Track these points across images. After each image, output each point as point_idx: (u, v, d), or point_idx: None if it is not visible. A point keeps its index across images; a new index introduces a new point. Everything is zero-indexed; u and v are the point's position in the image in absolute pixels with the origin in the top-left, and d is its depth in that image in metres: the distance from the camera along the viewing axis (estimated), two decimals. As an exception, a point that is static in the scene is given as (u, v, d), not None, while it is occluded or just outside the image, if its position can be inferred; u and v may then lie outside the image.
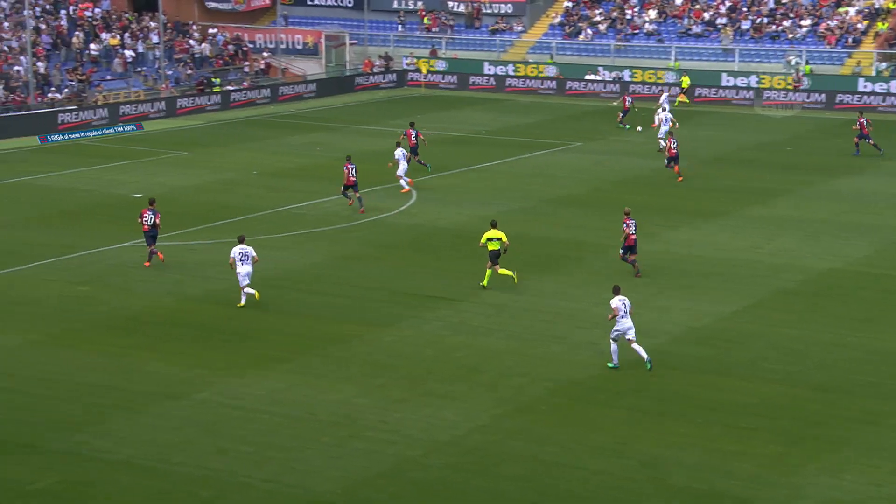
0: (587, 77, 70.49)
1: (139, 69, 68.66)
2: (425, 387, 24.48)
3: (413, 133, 46.05)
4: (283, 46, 76.53)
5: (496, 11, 78.53)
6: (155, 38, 70.26)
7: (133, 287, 31.41)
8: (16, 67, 62.50)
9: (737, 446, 21.73)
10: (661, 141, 50.83)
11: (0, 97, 58.92)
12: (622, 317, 25.33)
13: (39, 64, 62.70)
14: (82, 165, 48.53)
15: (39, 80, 61.52)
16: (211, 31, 75.67)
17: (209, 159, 49.03)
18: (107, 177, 45.83)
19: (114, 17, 73.26)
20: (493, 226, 31.53)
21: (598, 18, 76.00)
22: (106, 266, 33.26)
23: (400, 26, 79.95)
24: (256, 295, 29.66)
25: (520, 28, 77.66)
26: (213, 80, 68.64)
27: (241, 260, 29.62)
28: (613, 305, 25.42)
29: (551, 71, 71.72)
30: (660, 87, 66.99)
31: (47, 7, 71.14)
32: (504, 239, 31.20)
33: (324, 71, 76.54)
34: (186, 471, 20.63)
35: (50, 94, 61.12)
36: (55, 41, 67.11)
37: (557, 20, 77.39)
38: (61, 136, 55.74)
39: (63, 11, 71.04)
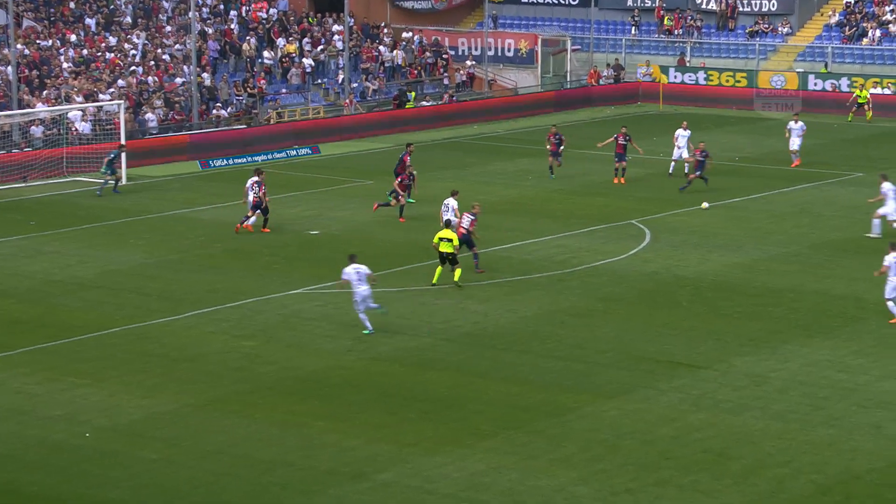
0: (874, 91, 68.90)
1: (319, 81, 70.84)
2: (659, 474, 24.30)
3: None
4: (491, 53, 77.65)
5: (756, 9, 77.81)
6: (339, 44, 72.32)
7: (307, 343, 32.28)
8: (177, 79, 65.28)
9: None
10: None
11: (158, 114, 61.60)
12: (357, 284, 31.55)
13: (204, 75, 65.34)
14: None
15: (204, 95, 64.14)
16: (405, 35, 77.42)
17: (399, 190, 49.92)
18: (277, 210, 47.29)
19: (292, 19, 75.83)
20: (447, 225, 37.38)
21: (888, 17, 74.28)
22: (274, 317, 34.30)
23: (633, 28, 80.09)
24: (251, 228, 42.73)
25: (786, 29, 76.67)
26: (408, 93, 70.12)
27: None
28: (345, 277, 31.71)
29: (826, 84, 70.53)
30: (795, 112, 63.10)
31: (216, 8, 74.05)
32: (455, 242, 36.29)
33: (539, 83, 77.28)
34: (366, 567, 21.03)
35: (214, 111, 63.62)
36: (223, 48, 69.87)
37: (835, 20, 76.06)
38: (225, 161, 57.83)
39: (233, 13, 73.89)
